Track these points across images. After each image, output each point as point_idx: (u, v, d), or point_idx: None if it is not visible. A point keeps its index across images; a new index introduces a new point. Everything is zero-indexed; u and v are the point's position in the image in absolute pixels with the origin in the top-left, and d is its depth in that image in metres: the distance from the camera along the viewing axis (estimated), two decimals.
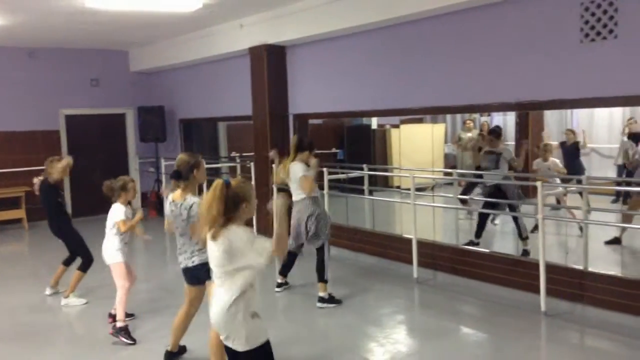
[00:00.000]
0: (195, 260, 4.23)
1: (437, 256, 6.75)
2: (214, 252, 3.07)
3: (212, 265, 3.12)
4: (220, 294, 3.09)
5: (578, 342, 5.09)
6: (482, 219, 7.33)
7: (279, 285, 6.35)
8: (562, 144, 9.46)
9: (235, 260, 3.00)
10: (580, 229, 7.25)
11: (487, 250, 6.67)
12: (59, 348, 5.15)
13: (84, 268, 6.11)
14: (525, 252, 6.73)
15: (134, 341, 5.02)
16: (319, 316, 5.67)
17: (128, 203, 5.34)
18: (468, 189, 9.23)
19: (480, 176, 7.69)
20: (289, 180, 5.95)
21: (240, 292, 3.03)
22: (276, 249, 3.04)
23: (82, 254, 6.16)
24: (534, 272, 5.52)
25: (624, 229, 6.89)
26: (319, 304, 5.79)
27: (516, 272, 5.95)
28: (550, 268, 5.50)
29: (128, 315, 5.38)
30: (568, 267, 5.70)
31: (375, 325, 5.38)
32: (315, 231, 5.82)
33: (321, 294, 5.82)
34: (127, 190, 5.26)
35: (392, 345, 4.91)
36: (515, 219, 7.02)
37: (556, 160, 8.08)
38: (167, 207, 4.32)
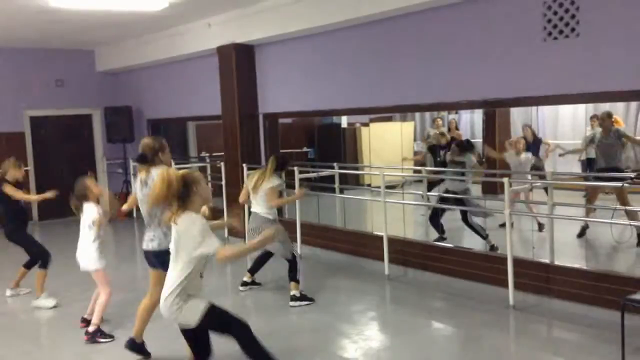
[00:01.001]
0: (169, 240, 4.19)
1: (407, 252, 6.83)
2: (174, 235, 3.35)
3: (171, 248, 3.39)
4: (166, 280, 3.39)
5: (546, 335, 5.19)
6: (437, 215, 7.46)
7: (244, 283, 6.31)
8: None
9: (186, 245, 3.27)
10: (539, 225, 7.44)
11: (456, 246, 6.77)
12: (29, 348, 5.07)
13: (44, 265, 6.05)
14: (493, 247, 6.85)
15: (112, 337, 5.01)
16: (291, 314, 5.67)
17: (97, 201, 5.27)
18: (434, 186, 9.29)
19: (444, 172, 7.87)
20: (254, 191, 5.93)
21: (182, 281, 3.31)
22: (226, 254, 3.29)
23: (39, 254, 6.11)
24: (502, 267, 5.62)
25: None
26: (292, 303, 5.79)
27: (485, 267, 6.05)
28: (518, 262, 5.62)
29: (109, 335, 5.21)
30: (535, 261, 5.82)
31: (347, 322, 5.41)
32: (283, 247, 5.87)
33: (293, 292, 5.84)
34: (89, 188, 5.19)
35: (364, 342, 4.95)
36: (469, 226, 7.13)
37: (529, 156, 8.21)
38: (137, 187, 4.37)
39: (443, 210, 7.52)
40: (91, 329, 5.04)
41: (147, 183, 4.17)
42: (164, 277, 4.18)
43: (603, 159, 7.39)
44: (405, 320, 5.48)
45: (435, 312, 5.79)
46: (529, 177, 7.86)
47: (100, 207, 5.22)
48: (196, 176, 3.44)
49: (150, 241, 4.28)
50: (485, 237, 6.99)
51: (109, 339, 5.01)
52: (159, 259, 4.21)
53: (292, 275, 5.87)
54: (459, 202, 7.18)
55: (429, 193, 7.80)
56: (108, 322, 5.35)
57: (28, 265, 6.29)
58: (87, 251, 5.16)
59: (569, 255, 6.75)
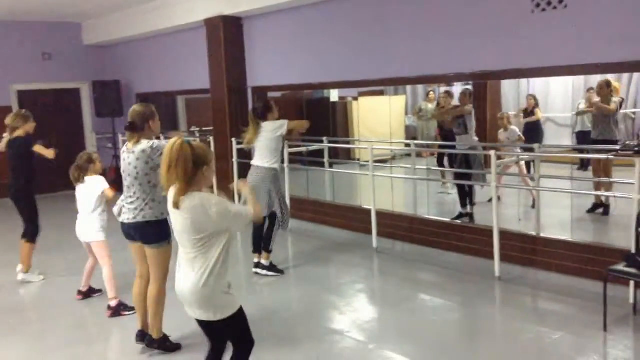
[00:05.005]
0: (157, 214, 3.96)
1: (395, 226, 6.86)
2: (178, 221, 2.92)
3: (177, 233, 2.97)
4: (189, 267, 2.94)
5: (530, 305, 5.26)
6: (462, 189, 7.40)
7: (257, 265, 6.07)
8: (525, 111, 9.66)
9: (205, 228, 2.87)
10: (533, 203, 7.44)
11: (443, 219, 6.81)
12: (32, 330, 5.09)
13: (33, 238, 5.95)
14: (471, 216, 6.90)
15: (133, 309, 4.89)
16: (281, 288, 5.72)
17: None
18: (440, 159, 9.29)
19: (444, 146, 7.86)
20: (256, 141, 5.83)
21: (214, 264, 2.91)
22: (255, 214, 3.02)
23: (32, 223, 5.97)
24: (488, 239, 5.67)
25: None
26: (260, 271, 5.85)
27: (471, 239, 6.10)
28: (504, 234, 5.66)
29: (96, 290, 5.36)
30: (521, 233, 5.87)
31: (335, 295, 5.47)
32: (276, 205, 5.81)
33: (263, 261, 5.87)
34: (93, 161, 5.17)
35: (353, 313, 5.00)
36: (470, 186, 7.15)
37: (515, 129, 8.24)
38: (122, 156, 4.08)
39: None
40: (113, 303, 5.02)
41: (135, 152, 3.96)
42: (161, 254, 4.05)
43: (598, 129, 7.31)
44: (392, 292, 5.54)
45: (422, 284, 5.85)
46: (518, 149, 7.87)
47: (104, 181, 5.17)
48: (209, 153, 3.02)
49: (133, 211, 4.00)
50: (465, 205, 6.99)
51: (132, 312, 4.89)
52: (139, 232, 4.05)
53: (266, 245, 5.86)
54: (467, 162, 7.14)
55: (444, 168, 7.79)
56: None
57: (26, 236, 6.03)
58: (89, 222, 5.12)
59: (556, 227, 6.79)
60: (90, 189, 5.12)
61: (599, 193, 6.92)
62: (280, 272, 5.92)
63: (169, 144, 2.89)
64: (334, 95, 13.32)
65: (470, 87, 8.45)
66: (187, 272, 2.96)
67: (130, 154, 3.99)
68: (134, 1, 9.40)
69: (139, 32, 10.23)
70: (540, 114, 9.45)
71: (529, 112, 9.49)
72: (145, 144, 3.95)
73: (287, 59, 8.17)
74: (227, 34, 8.53)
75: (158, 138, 4.17)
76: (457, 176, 7.48)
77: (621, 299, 4.69)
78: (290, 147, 7.68)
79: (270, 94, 9.13)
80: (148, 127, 3.98)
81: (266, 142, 5.78)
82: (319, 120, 12.76)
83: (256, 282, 5.85)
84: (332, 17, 7.42)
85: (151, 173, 3.94)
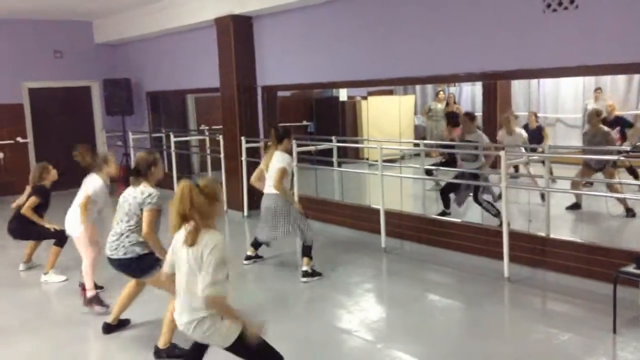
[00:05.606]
0: (138, 250, 4.29)
1: (404, 226, 6.86)
2: (188, 258, 3.05)
3: (183, 270, 3.10)
4: (190, 300, 3.05)
5: (539, 306, 5.25)
6: (447, 194, 7.39)
7: (248, 257, 6.34)
8: (525, 127, 9.57)
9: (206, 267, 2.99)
10: (542, 197, 7.42)
11: (452, 219, 6.80)
12: (36, 325, 5.13)
13: (61, 243, 6.00)
14: (502, 224, 6.86)
15: (107, 307, 5.05)
16: (289, 286, 5.73)
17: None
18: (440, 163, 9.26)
19: (446, 147, 7.83)
20: (267, 170, 5.90)
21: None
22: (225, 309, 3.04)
23: (54, 235, 6.01)
24: (498, 240, 5.66)
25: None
26: (303, 279, 5.80)
27: (480, 239, 6.08)
28: (513, 235, 5.65)
29: (98, 287, 5.39)
30: (530, 234, 5.86)
31: (343, 294, 5.47)
32: (294, 228, 5.83)
33: (305, 267, 5.85)
34: (108, 162, 5.34)
35: (361, 313, 5.01)
36: (479, 203, 7.05)
37: (521, 131, 8.20)
38: (122, 196, 4.43)
39: (457, 187, 7.27)
40: (89, 294, 5.14)
41: (135, 191, 4.32)
42: (146, 281, 4.38)
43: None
44: (400, 292, 5.55)
45: (431, 284, 5.85)
46: (523, 150, 7.84)
47: (103, 185, 5.28)
48: (218, 189, 3.20)
49: (115, 249, 4.34)
50: (495, 214, 6.94)
51: (105, 309, 5.02)
52: (122, 269, 4.40)
53: (306, 250, 5.86)
54: (472, 177, 7.11)
55: (443, 168, 7.81)
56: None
57: (59, 244, 6.07)
58: (72, 216, 5.29)
59: (565, 228, 6.79)
60: (85, 185, 5.28)
61: (575, 193, 6.91)
62: (319, 274, 5.89)
63: (178, 191, 3.07)
64: (343, 94, 13.33)
65: (469, 110, 8.38)
66: (187, 305, 3.08)
67: (131, 192, 4.36)
68: (144, 0, 9.44)
69: (149, 30, 10.27)
70: (548, 138, 9.24)
71: (530, 128, 9.23)
72: (143, 188, 4.32)
73: (297, 58, 8.18)
74: (237, 33, 8.55)
75: (158, 184, 4.49)
76: (451, 186, 7.43)
77: (630, 300, 4.66)
78: (298, 146, 7.68)
79: (280, 93, 9.17)
80: (150, 173, 4.39)
81: (276, 166, 5.82)
82: (328, 120, 12.80)
83: (263, 280, 5.86)
84: (342, 17, 7.42)
85: (141, 214, 4.27)
